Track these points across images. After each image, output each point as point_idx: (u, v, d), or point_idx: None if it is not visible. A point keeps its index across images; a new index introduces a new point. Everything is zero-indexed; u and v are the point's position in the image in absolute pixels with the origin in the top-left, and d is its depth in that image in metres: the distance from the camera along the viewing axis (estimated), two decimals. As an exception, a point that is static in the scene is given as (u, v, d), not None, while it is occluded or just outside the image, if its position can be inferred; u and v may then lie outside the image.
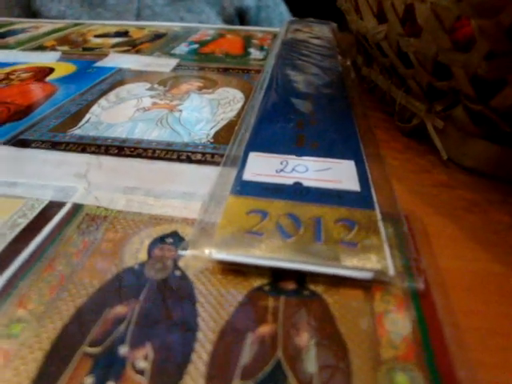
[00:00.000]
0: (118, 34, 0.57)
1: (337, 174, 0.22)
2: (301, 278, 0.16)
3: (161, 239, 0.18)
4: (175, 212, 0.20)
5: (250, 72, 0.41)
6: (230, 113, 0.31)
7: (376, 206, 0.19)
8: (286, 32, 0.54)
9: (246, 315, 0.15)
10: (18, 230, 0.19)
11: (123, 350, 0.13)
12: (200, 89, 0.36)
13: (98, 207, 0.20)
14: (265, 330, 0.14)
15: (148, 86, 0.37)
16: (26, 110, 0.31)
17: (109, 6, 0.85)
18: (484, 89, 0.21)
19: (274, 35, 0.58)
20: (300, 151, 0.24)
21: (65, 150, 0.25)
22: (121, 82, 0.37)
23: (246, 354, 0.13)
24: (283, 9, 1.01)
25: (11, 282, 0.16)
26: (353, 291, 0.16)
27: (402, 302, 0.15)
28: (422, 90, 0.26)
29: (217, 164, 0.24)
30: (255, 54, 0.49)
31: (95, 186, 0.22)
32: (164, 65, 0.43)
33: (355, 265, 0.16)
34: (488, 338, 0.14)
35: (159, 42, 0.53)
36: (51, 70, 0.40)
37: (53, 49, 0.49)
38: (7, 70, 0.40)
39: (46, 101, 0.33)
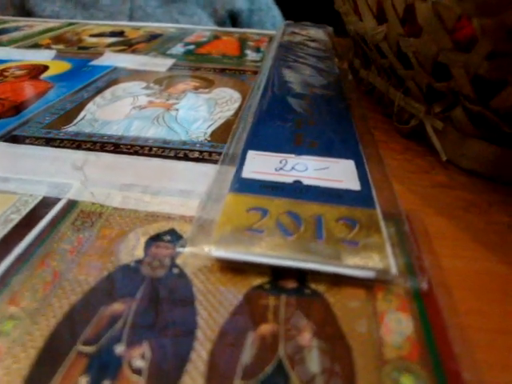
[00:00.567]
0: (113, 34, 0.57)
1: (336, 172, 0.21)
2: (302, 276, 0.16)
3: (158, 236, 0.18)
4: (172, 209, 0.20)
5: (247, 73, 0.41)
6: (228, 112, 0.31)
7: (377, 204, 0.19)
8: (282, 34, 0.54)
9: (246, 314, 0.14)
10: (10, 225, 0.18)
11: (119, 348, 0.13)
12: (196, 88, 0.36)
13: (94, 204, 0.20)
14: (265, 329, 0.14)
15: (144, 84, 0.36)
16: (20, 107, 0.30)
17: (102, 6, 0.84)
18: (483, 90, 0.21)
19: (270, 38, 0.58)
20: (298, 150, 0.23)
21: (59, 146, 0.25)
22: (116, 81, 0.37)
23: (247, 354, 0.13)
24: (276, 12, 1.01)
25: (3, 279, 0.15)
26: (355, 290, 0.16)
27: (404, 302, 0.15)
28: (421, 92, 0.26)
29: (214, 162, 0.24)
30: (252, 55, 0.49)
31: (91, 183, 0.21)
32: (160, 64, 0.43)
33: (357, 263, 0.16)
34: (492, 338, 0.14)
35: (155, 43, 0.52)
36: (46, 68, 0.40)
37: (48, 47, 0.48)
38: (1, 67, 0.40)
39: (40, 98, 0.32)
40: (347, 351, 0.13)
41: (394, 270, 0.15)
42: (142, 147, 0.25)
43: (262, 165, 0.22)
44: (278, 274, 0.16)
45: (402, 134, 0.29)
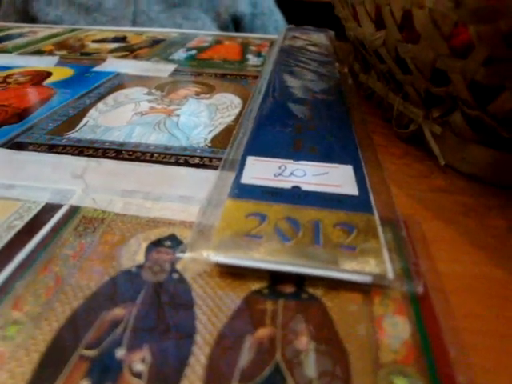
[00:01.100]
0: (115, 40, 0.57)
1: (335, 178, 0.22)
2: (299, 281, 0.16)
3: (158, 242, 0.18)
4: (173, 215, 0.20)
5: (248, 78, 0.42)
6: (228, 118, 0.31)
7: (374, 210, 0.19)
8: (283, 39, 0.54)
9: (245, 318, 0.15)
10: (13, 232, 0.18)
11: (120, 352, 0.13)
12: (198, 94, 0.36)
13: (96, 210, 0.20)
14: (263, 333, 0.14)
15: (146, 90, 0.37)
16: (23, 113, 0.31)
17: (105, 10, 0.85)
18: (481, 95, 0.22)
19: (272, 42, 0.59)
20: (297, 156, 0.24)
21: (62, 152, 0.25)
22: (118, 87, 0.37)
23: (245, 357, 0.13)
24: (278, 16, 1.01)
25: (7, 284, 0.16)
26: (352, 295, 0.16)
27: (401, 306, 0.15)
28: (419, 96, 0.26)
29: (215, 168, 0.24)
30: (253, 60, 0.49)
31: (93, 189, 0.22)
32: (162, 70, 0.43)
33: (354, 268, 0.16)
34: (488, 341, 0.14)
35: (157, 48, 0.53)
36: (49, 74, 0.40)
37: (51, 53, 0.49)
38: (5, 73, 0.40)
39: (43, 104, 0.33)
40: (344, 355, 0.14)
41: (390, 274, 0.16)
42: (144, 153, 0.25)
43: (261, 170, 0.22)
44: (276, 279, 0.16)
45: (401, 139, 0.29)
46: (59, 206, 0.20)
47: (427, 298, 0.16)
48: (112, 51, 0.50)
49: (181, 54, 0.50)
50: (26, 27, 0.65)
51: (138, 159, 0.25)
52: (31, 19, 0.85)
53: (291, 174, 0.22)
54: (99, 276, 0.16)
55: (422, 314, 0.15)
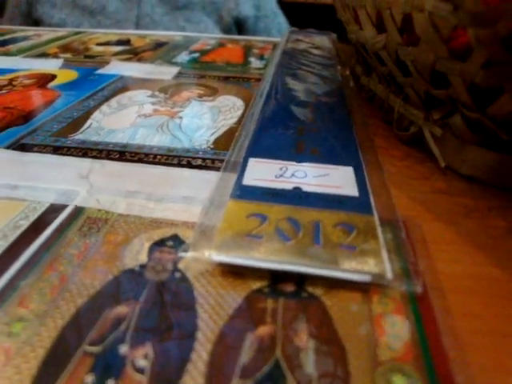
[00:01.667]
0: (119, 43, 0.58)
1: (335, 179, 0.22)
2: (300, 280, 0.16)
3: (161, 242, 0.19)
4: (175, 216, 0.20)
5: (251, 80, 0.42)
6: (231, 120, 0.32)
7: (374, 211, 0.19)
8: (286, 42, 0.54)
9: (245, 316, 0.15)
10: (19, 231, 0.19)
11: (123, 349, 0.14)
12: (201, 96, 0.37)
13: (100, 210, 0.20)
14: (264, 330, 0.14)
15: (149, 93, 0.37)
16: (29, 116, 0.31)
17: (109, 13, 0.86)
18: (481, 97, 0.22)
19: (275, 45, 0.59)
20: (299, 157, 0.24)
21: (66, 154, 0.26)
22: (122, 89, 0.38)
23: (245, 354, 0.14)
24: (282, 19, 1.01)
25: (13, 282, 0.16)
26: (351, 294, 0.16)
27: (399, 305, 0.16)
28: (419, 99, 0.27)
29: (217, 169, 0.24)
30: (255, 63, 0.49)
31: (97, 190, 0.22)
32: (165, 73, 0.43)
33: (353, 268, 0.16)
34: (486, 340, 0.15)
35: (160, 51, 0.53)
36: (53, 77, 0.41)
37: (55, 56, 0.49)
38: (10, 76, 0.41)
39: (48, 106, 0.33)
40: (342, 352, 0.14)
41: (389, 274, 0.16)
42: (147, 155, 0.26)
43: (262, 172, 0.22)
44: (276, 278, 0.17)
45: (402, 141, 0.29)
46: (64, 207, 0.21)
47: (426, 297, 0.16)
48: (116, 54, 0.51)
49: (184, 57, 0.51)
50: (30, 30, 0.66)
51: (141, 161, 0.25)
52: (36, 22, 0.86)
53: (292, 175, 0.22)
54: (103, 275, 0.17)
55: (420, 313, 0.15)
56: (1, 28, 0.68)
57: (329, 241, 0.17)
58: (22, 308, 0.15)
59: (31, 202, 0.21)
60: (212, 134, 0.29)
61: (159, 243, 0.18)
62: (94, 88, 0.38)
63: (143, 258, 0.18)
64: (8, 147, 0.26)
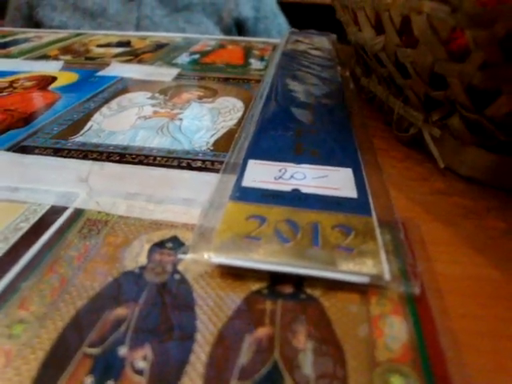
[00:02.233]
0: (119, 44, 0.58)
1: (334, 181, 0.22)
2: (298, 281, 0.17)
3: (161, 244, 0.19)
4: (175, 217, 0.20)
5: (251, 82, 0.42)
6: (230, 121, 0.32)
7: (373, 212, 0.20)
8: (286, 43, 0.54)
9: (244, 318, 0.15)
10: (20, 233, 0.19)
11: (123, 350, 0.14)
12: (200, 98, 0.37)
13: (100, 212, 0.21)
14: (262, 332, 0.14)
15: (149, 94, 0.37)
16: (29, 118, 0.31)
17: (109, 15, 0.86)
18: (479, 98, 0.22)
19: (275, 46, 0.59)
20: (298, 159, 0.24)
21: (67, 156, 0.26)
22: (122, 91, 0.38)
23: (244, 356, 0.14)
24: (282, 20, 1.02)
25: (13, 284, 0.16)
26: (349, 295, 0.16)
27: (397, 306, 0.16)
28: (419, 100, 0.27)
29: (216, 171, 0.24)
30: (255, 64, 0.49)
31: (97, 192, 0.22)
32: (165, 74, 0.43)
33: (351, 269, 0.16)
34: (483, 341, 0.15)
35: (161, 52, 0.53)
36: (54, 79, 0.41)
37: (56, 58, 0.49)
38: (11, 78, 0.41)
39: (48, 108, 0.33)
40: (341, 353, 0.14)
41: (387, 275, 0.16)
42: (147, 157, 0.26)
43: (261, 174, 0.22)
44: (275, 280, 0.17)
45: (401, 142, 0.29)
46: (64, 209, 0.21)
47: (424, 298, 0.16)
48: (116, 56, 0.51)
49: (184, 59, 0.51)
50: (31, 32, 0.66)
51: (141, 163, 0.25)
52: (37, 25, 0.86)
53: (291, 176, 0.22)
54: (103, 277, 0.17)
55: (418, 314, 0.15)
56: (2, 30, 0.68)
57: (327, 242, 0.17)
58: (22, 310, 0.15)
59: (32, 205, 0.21)
60: (212, 135, 0.29)
61: (159, 245, 0.19)
62: (95, 90, 0.38)
63: (143, 259, 0.18)
64: (8, 149, 0.26)
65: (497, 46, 0.19)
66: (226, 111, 0.34)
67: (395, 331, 0.15)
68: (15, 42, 0.58)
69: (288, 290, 0.16)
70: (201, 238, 0.18)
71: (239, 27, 0.95)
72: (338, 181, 0.22)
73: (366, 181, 0.22)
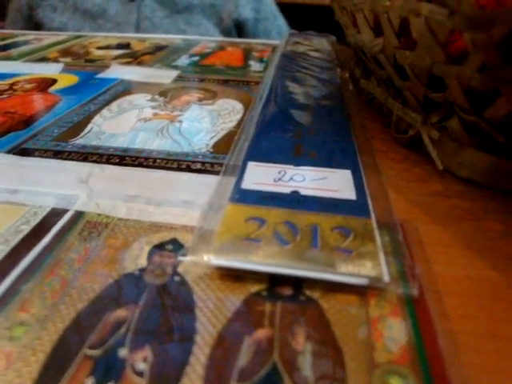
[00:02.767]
0: (119, 46, 0.58)
1: (333, 183, 0.22)
2: (297, 283, 0.17)
3: (160, 246, 0.19)
4: (175, 220, 0.21)
5: (250, 84, 0.42)
6: (230, 123, 0.32)
7: (372, 214, 0.20)
8: (285, 44, 0.55)
9: (244, 320, 0.15)
10: (20, 236, 0.19)
11: (123, 352, 0.14)
12: (200, 100, 0.37)
13: (100, 215, 0.21)
14: (261, 334, 0.15)
15: (149, 97, 0.37)
16: (29, 120, 0.31)
17: (109, 17, 0.86)
18: (478, 100, 0.22)
19: (274, 48, 0.59)
20: (298, 161, 0.24)
21: (67, 158, 0.26)
22: (122, 93, 0.38)
23: (243, 357, 0.14)
24: (281, 22, 1.02)
25: (14, 287, 0.16)
26: (348, 297, 0.16)
27: (396, 308, 0.16)
28: (417, 102, 0.27)
29: (216, 173, 0.24)
30: (255, 66, 0.50)
31: (97, 194, 0.22)
32: (165, 76, 0.44)
33: (350, 271, 0.16)
34: (481, 342, 0.15)
35: (160, 54, 0.54)
36: (54, 81, 0.41)
37: (55, 60, 0.49)
38: (11, 80, 0.41)
39: (48, 111, 0.33)
40: (340, 355, 0.14)
41: (386, 277, 0.16)
42: (147, 159, 0.26)
43: (261, 176, 0.22)
44: (274, 282, 0.17)
45: (400, 144, 0.30)
46: (64, 211, 0.21)
47: (422, 299, 0.16)
48: (116, 58, 0.51)
49: (184, 60, 0.51)
50: (31, 34, 0.66)
51: (141, 165, 0.25)
52: (37, 26, 0.87)
53: (290, 178, 0.22)
54: (103, 279, 0.17)
55: (417, 316, 0.15)
56: (1, 32, 0.68)
57: (326, 244, 0.17)
58: (23, 312, 0.15)
59: (32, 207, 0.21)
60: (211, 137, 0.29)
61: (159, 247, 0.19)
62: (95, 92, 0.38)
63: (143, 261, 0.18)
64: (9, 152, 0.27)
65: (495, 48, 0.19)
66: (225, 113, 0.34)
67: (394, 333, 0.15)
68: (15, 45, 0.58)
69: (287, 291, 0.16)
70: (200, 240, 0.18)
71: (239, 29, 0.95)
72: (337, 183, 0.22)
73: (364, 182, 0.22)
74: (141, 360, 0.14)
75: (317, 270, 0.16)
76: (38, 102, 0.35)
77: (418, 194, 0.24)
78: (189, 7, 0.89)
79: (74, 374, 0.13)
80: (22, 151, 0.27)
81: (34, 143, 0.28)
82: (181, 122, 0.32)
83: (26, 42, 0.59)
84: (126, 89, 0.39)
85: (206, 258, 0.17)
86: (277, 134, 0.28)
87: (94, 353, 0.14)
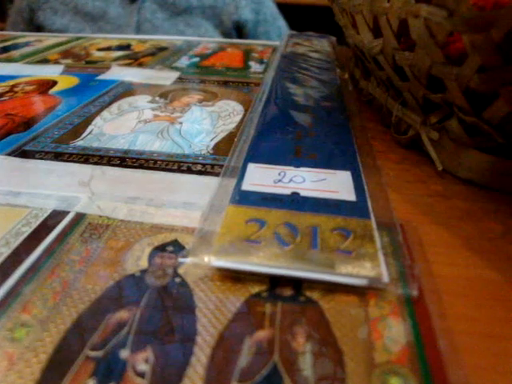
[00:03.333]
0: (120, 48, 0.58)
1: (333, 184, 0.22)
2: (297, 284, 0.17)
3: (161, 247, 0.19)
4: (176, 221, 0.21)
5: (250, 85, 0.42)
6: (230, 125, 0.32)
7: (371, 215, 0.20)
8: (285, 45, 0.55)
9: (244, 320, 0.15)
10: (21, 238, 0.19)
11: (124, 353, 0.14)
12: (200, 101, 0.37)
13: (101, 216, 0.21)
14: (262, 334, 0.15)
15: (149, 98, 0.37)
16: (30, 122, 0.32)
17: (110, 19, 0.86)
18: (477, 101, 0.22)
19: (274, 49, 0.59)
20: (298, 162, 0.24)
21: (68, 160, 0.26)
22: (123, 95, 0.38)
23: (244, 358, 0.14)
24: (281, 23, 1.02)
25: (16, 288, 0.16)
26: (348, 297, 0.16)
27: (396, 308, 0.16)
28: (417, 103, 0.27)
29: (216, 174, 0.25)
30: (255, 67, 0.50)
31: (98, 196, 0.22)
32: (165, 78, 0.44)
33: (350, 272, 0.16)
34: (480, 342, 0.15)
35: (161, 56, 0.54)
36: (54, 83, 0.41)
37: (56, 62, 0.50)
38: (11, 82, 0.41)
39: (49, 113, 0.33)
40: (339, 355, 0.14)
41: (385, 278, 0.16)
42: (147, 161, 0.26)
43: (261, 177, 0.23)
44: (275, 283, 0.17)
45: (400, 144, 0.30)
46: (65, 213, 0.21)
47: (422, 300, 0.16)
48: (116, 59, 0.51)
49: (184, 62, 0.51)
50: (32, 36, 0.66)
51: (141, 166, 0.25)
52: (38, 28, 0.87)
53: (290, 180, 0.22)
54: (104, 280, 0.17)
55: (416, 316, 0.16)
56: (2, 34, 0.68)
57: (326, 245, 0.17)
58: (24, 314, 0.15)
59: (33, 209, 0.21)
60: (212, 139, 0.29)
61: (160, 249, 0.19)
62: (95, 94, 0.38)
63: (144, 263, 0.18)
64: (10, 154, 0.27)
65: (494, 49, 0.19)
66: (225, 115, 0.34)
67: (394, 333, 0.15)
68: (16, 46, 0.58)
69: (287, 292, 0.16)
70: (201, 241, 0.18)
71: (239, 30, 0.95)
72: (337, 184, 0.22)
73: (364, 184, 0.22)
74: (142, 361, 0.14)
75: (317, 270, 0.16)
76: (39, 103, 0.36)
77: (417, 194, 0.24)
78: (189, 9, 0.89)
79: (76, 375, 0.13)
80: (23, 153, 0.27)
81: (34, 145, 0.28)
82: (181, 123, 0.32)
83: (26, 44, 0.59)
84: (126, 90, 0.39)
85: (206, 259, 0.17)
86: (277, 136, 0.28)
87: (96, 354, 0.14)
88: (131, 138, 0.29)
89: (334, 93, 0.37)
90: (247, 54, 0.56)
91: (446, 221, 0.22)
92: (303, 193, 0.21)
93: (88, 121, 0.32)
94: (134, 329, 0.15)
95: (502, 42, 0.19)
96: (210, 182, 0.24)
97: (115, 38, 0.65)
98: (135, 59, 0.51)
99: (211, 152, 0.27)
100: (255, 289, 0.17)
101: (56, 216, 0.21)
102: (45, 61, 0.50)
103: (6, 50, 0.56)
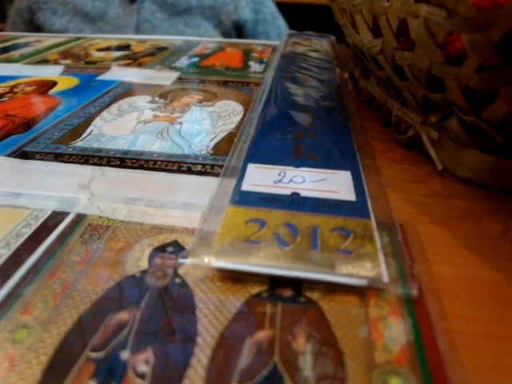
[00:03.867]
0: (119, 48, 0.58)
1: (333, 184, 0.22)
2: (297, 285, 0.17)
3: (161, 248, 0.19)
4: (176, 222, 0.21)
5: (250, 85, 0.42)
6: (230, 125, 0.32)
7: (371, 215, 0.20)
8: (285, 45, 0.55)
9: (244, 321, 0.15)
10: (22, 239, 0.19)
11: (125, 354, 0.14)
12: (200, 101, 0.37)
13: (101, 217, 0.21)
14: (262, 335, 0.15)
15: (149, 98, 0.37)
16: (30, 123, 0.32)
17: (109, 19, 0.86)
18: (476, 100, 0.22)
19: (274, 48, 0.59)
20: (298, 162, 0.24)
21: (68, 161, 0.26)
22: (122, 95, 0.38)
23: (244, 359, 0.14)
24: (281, 22, 1.02)
25: (16, 290, 0.16)
26: (348, 297, 0.16)
27: (396, 308, 0.16)
28: (417, 102, 0.27)
29: (216, 175, 0.25)
30: (255, 67, 0.50)
31: (98, 197, 0.22)
32: (165, 78, 0.44)
33: (350, 272, 0.16)
34: (480, 342, 0.15)
35: (160, 56, 0.54)
36: (54, 84, 0.41)
37: (56, 62, 0.50)
38: (11, 83, 0.41)
39: (49, 113, 0.33)
40: (340, 355, 0.14)
41: (385, 278, 0.16)
42: (147, 161, 0.26)
43: (261, 177, 0.23)
44: (275, 283, 0.17)
45: (400, 144, 0.30)
46: (66, 214, 0.21)
47: (422, 300, 0.16)
48: (116, 59, 0.51)
49: (183, 62, 0.51)
50: (31, 36, 0.66)
51: (141, 167, 0.25)
52: (37, 29, 0.87)
53: (290, 180, 0.22)
54: (105, 281, 0.17)
55: (416, 316, 0.16)
56: (2, 35, 0.68)
57: (326, 245, 0.17)
58: (25, 315, 0.15)
59: (33, 210, 0.21)
60: (211, 139, 0.29)
61: (160, 249, 0.19)
62: (95, 94, 0.38)
63: (144, 264, 0.18)
64: (10, 155, 0.27)
65: (493, 49, 0.19)
66: (225, 115, 0.34)
67: (394, 333, 0.15)
68: (15, 47, 0.58)
69: (288, 293, 0.16)
70: (201, 242, 0.18)
71: (238, 30, 0.95)
72: (336, 184, 0.22)
73: (364, 183, 0.22)
74: (143, 362, 0.14)
75: (317, 271, 0.16)
76: (39, 104, 0.36)
77: (417, 194, 0.24)
78: (188, 9, 0.89)
79: (77, 376, 0.13)
80: (23, 154, 0.27)
81: (34, 146, 0.28)
82: (181, 123, 0.32)
83: (26, 44, 0.59)
84: (126, 91, 0.39)
85: (206, 260, 0.17)
86: (277, 136, 0.28)
87: (96, 355, 0.14)
88: (131, 138, 0.29)
89: (334, 92, 0.37)
90: (247, 54, 0.56)
91: (446, 220, 0.22)
92: (303, 193, 0.21)
93: (88, 121, 0.32)
94: (135, 330, 0.15)
95: (501, 41, 0.19)
96: (209, 183, 0.24)
97: (115, 39, 0.65)
98: (135, 59, 0.51)
99: (211, 152, 0.28)
100: (255, 289, 0.17)
101: (56, 217, 0.21)
102: (44, 61, 0.50)
103: (5, 50, 0.56)
